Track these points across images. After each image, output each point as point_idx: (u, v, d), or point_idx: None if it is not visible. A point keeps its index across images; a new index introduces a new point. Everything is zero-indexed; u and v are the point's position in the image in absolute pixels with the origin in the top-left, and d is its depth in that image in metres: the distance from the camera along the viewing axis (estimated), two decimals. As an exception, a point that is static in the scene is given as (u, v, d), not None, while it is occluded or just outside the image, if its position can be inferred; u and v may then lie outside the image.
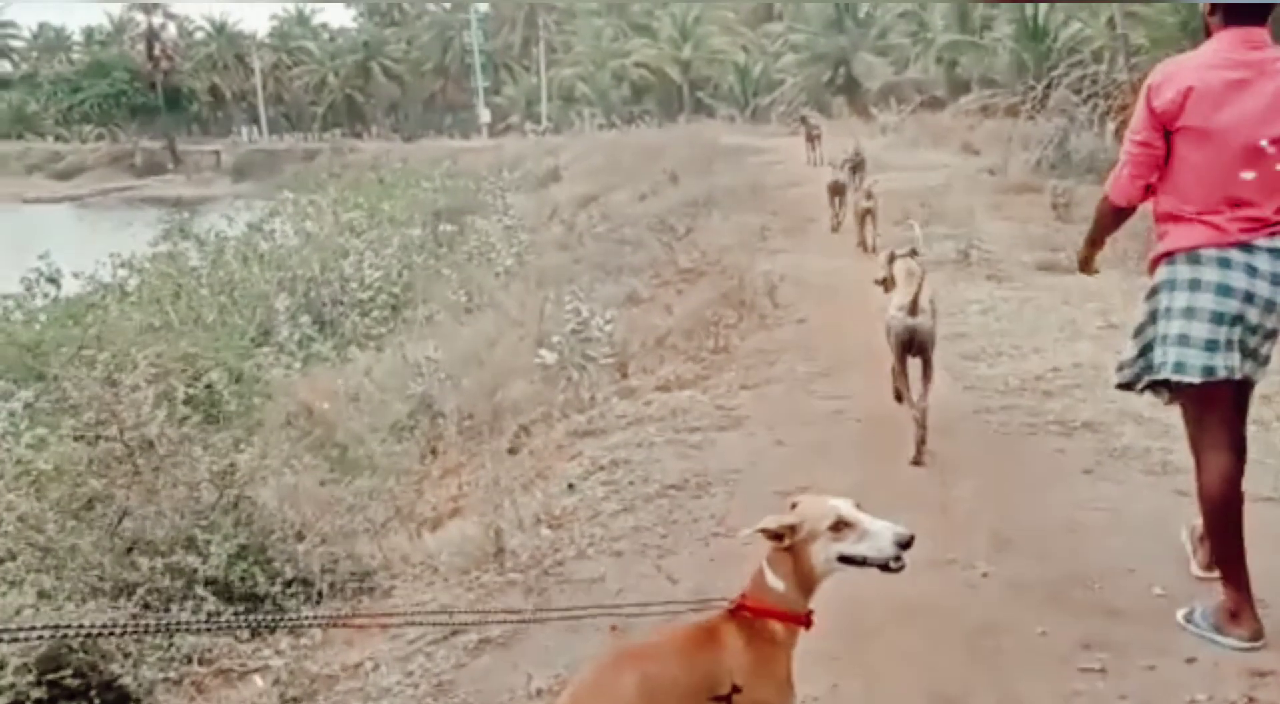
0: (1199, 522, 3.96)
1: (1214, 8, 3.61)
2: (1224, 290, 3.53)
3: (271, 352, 12.93)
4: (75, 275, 17.87)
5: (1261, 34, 3.57)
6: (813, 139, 20.52)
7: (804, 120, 22.25)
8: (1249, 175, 3.52)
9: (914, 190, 14.48)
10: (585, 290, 13.50)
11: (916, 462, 5.64)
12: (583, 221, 20.30)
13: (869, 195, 11.80)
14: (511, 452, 7.14)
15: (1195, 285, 3.58)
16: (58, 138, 72.14)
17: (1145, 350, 3.76)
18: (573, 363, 7.68)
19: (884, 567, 2.63)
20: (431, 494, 6.85)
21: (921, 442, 5.65)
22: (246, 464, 4.94)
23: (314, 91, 74.36)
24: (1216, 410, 3.67)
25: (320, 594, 4.65)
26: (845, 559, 2.63)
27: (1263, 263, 3.52)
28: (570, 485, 5.69)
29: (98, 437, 4.81)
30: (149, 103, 70.49)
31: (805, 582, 2.66)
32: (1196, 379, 3.58)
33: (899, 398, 6.12)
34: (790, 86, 44.65)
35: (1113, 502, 4.97)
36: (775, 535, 2.66)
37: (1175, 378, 3.62)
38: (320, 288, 13.90)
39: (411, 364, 10.38)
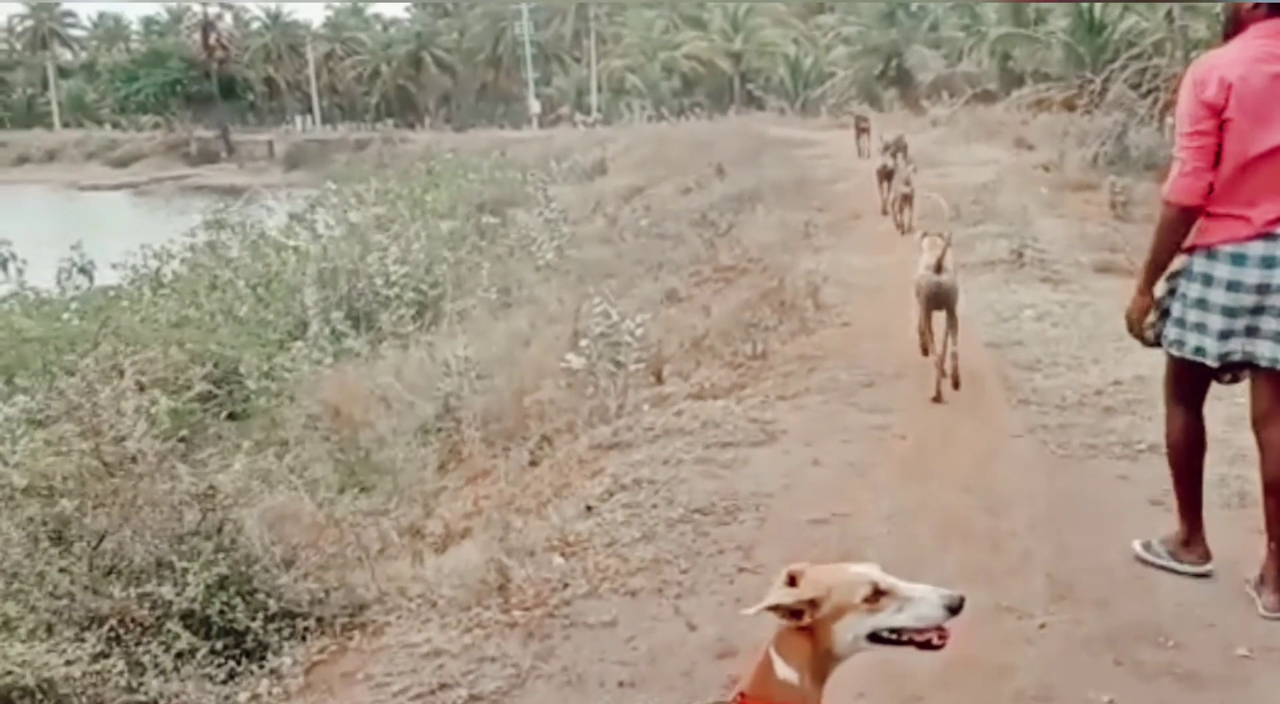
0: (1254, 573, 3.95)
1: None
2: (1234, 287, 3.63)
3: (304, 347, 12.65)
4: (114, 266, 17.75)
5: None
6: (862, 132, 20.06)
7: (856, 118, 21.88)
8: None
9: (966, 186, 13.93)
10: (624, 287, 13.13)
11: (937, 397, 6.53)
12: (626, 215, 19.89)
13: (907, 181, 12.44)
14: (533, 464, 6.73)
15: (1207, 281, 3.69)
16: (115, 126, 72.99)
17: (1163, 316, 3.90)
18: (600, 369, 7.24)
19: (924, 644, 2.19)
20: (446, 509, 6.45)
21: (941, 383, 6.56)
22: (231, 484, 4.54)
23: (367, 82, 74.52)
24: (1203, 380, 3.91)
25: (307, 630, 4.26)
26: (877, 638, 2.18)
27: None
28: (589, 507, 5.26)
29: (71, 450, 4.43)
30: (204, 92, 70.93)
31: (822, 669, 2.21)
32: (1215, 363, 3.76)
33: (925, 351, 6.91)
34: (841, 79, 43.96)
35: (1185, 539, 4.45)
36: (793, 612, 2.17)
37: (1194, 359, 3.79)
38: (357, 281, 13.55)
39: (440, 363, 10.01)
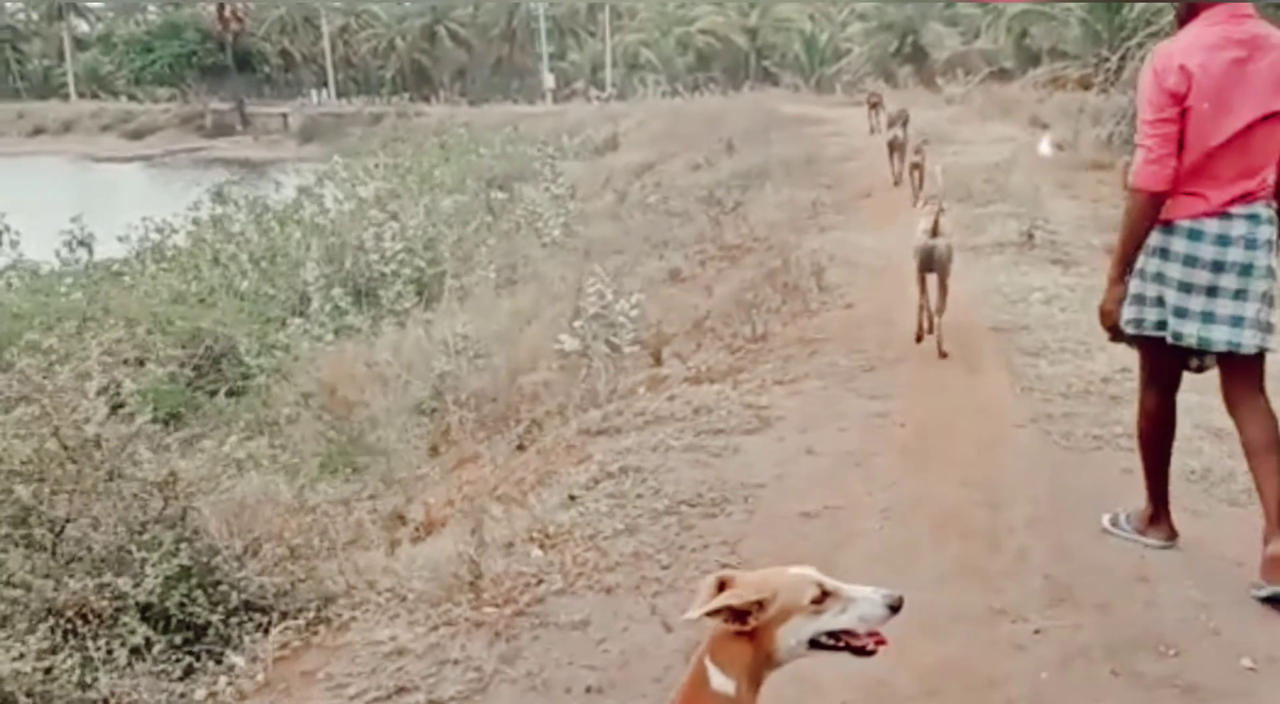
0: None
1: None
2: (1190, 261, 3.68)
3: (304, 323, 12.49)
4: (120, 239, 17.61)
5: (1244, 6, 3.64)
6: (874, 108, 19.80)
7: (869, 94, 21.68)
8: (1243, 152, 3.61)
9: (978, 166, 13.63)
10: (630, 265, 12.94)
11: (919, 338, 7.11)
12: (636, 191, 19.68)
13: (917, 151, 12.82)
14: (521, 448, 6.55)
15: (1165, 254, 3.73)
16: (131, 98, 72.80)
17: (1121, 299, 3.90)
18: (595, 351, 7.04)
19: (860, 649, 2.11)
20: (431, 494, 6.27)
21: (925, 331, 7.09)
22: (196, 471, 4.36)
23: (382, 55, 74.04)
24: (1168, 361, 3.92)
25: (270, 624, 4.09)
26: (816, 643, 2.09)
27: (1238, 229, 3.64)
28: (571, 497, 5.06)
29: (31, 434, 4.25)
30: (220, 64, 70.60)
31: (758, 677, 2.10)
32: (1172, 340, 3.79)
33: (924, 310, 7.22)
34: (856, 56, 43.45)
35: (1190, 540, 4.23)
36: (738, 616, 2.05)
37: (1158, 335, 3.83)
38: (358, 257, 13.37)
39: (437, 341, 9.84)
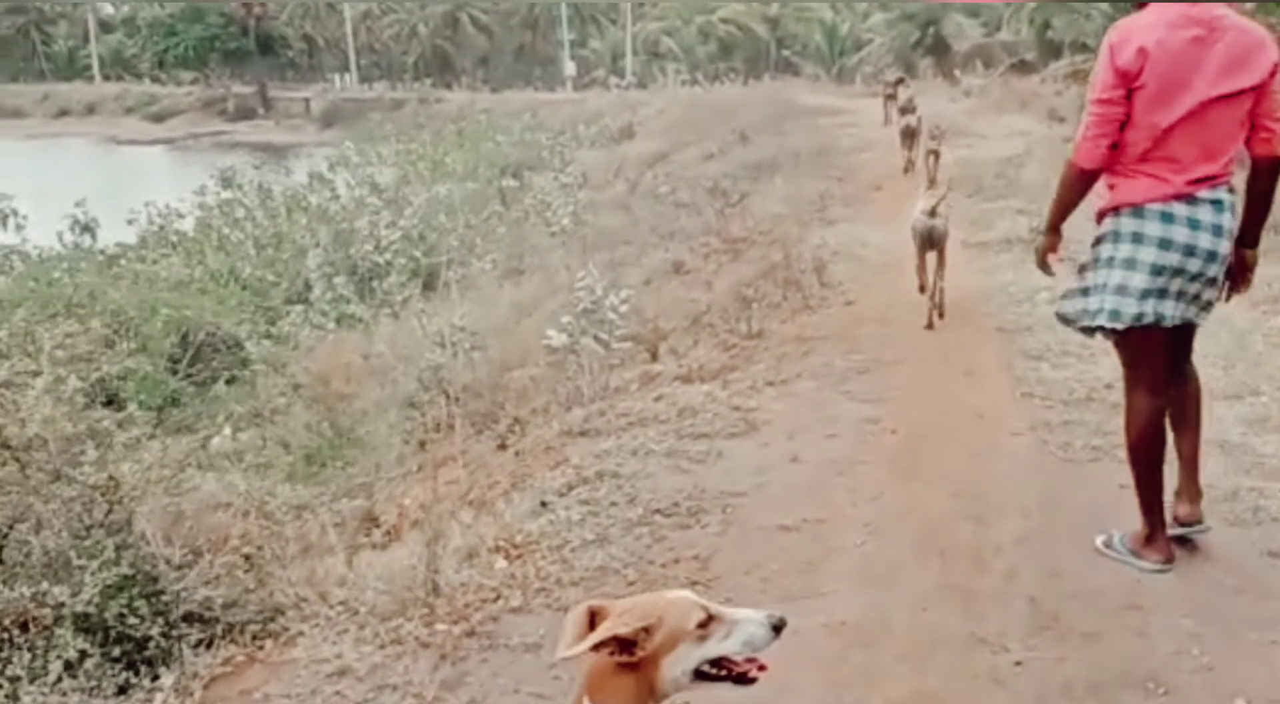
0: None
1: None
2: (1165, 244, 3.67)
3: (304, 311, 12.33)
4: (130, 222, 17.50)
5: None
6: (889, 98, 19.53)
7: (885, 84, 21.52)
8: (1200, 133, 3.61)
9: (991, 159, 13.35)
10: (636, 256, 12.72)
11: (929, 325, 7.33)
12: (647, 181, 19.44)
13: (933, 136, 13.08)
14: (502, 447, 6.34)
15: (1138, 239, 3.71)
16: (154, 80, 72.90)
17: (1085, 292, 3.91)
18: (582, 347, 6.82)
19: (742, 677, 1.99)
20: (410, 493, 6.07)
21: (933, 314, 7.38)
22: (141, 474, 4.16)
23: (405, 41, 73.86)
24: (1146, 356, 3.85)
25: (215, 637, 3.89)
26: (701, 674, 1.97)
27: (1205, 215, 3.66)
28: (544, 503, 4.86)
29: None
30: (243, 48, 70.58)
31: None
32: (1122, 326, 3.76)
33: (922, 289, 7.54)
34: (877, 46, 42.96)
35: (1187, 563, 3.99)
36: (625, 645, 1.91)
37: (1110, 325, 3.80)
38: (363, 245, 13.19)
39: (433, 333, 9.64)
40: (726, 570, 4.12)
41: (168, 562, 3.98)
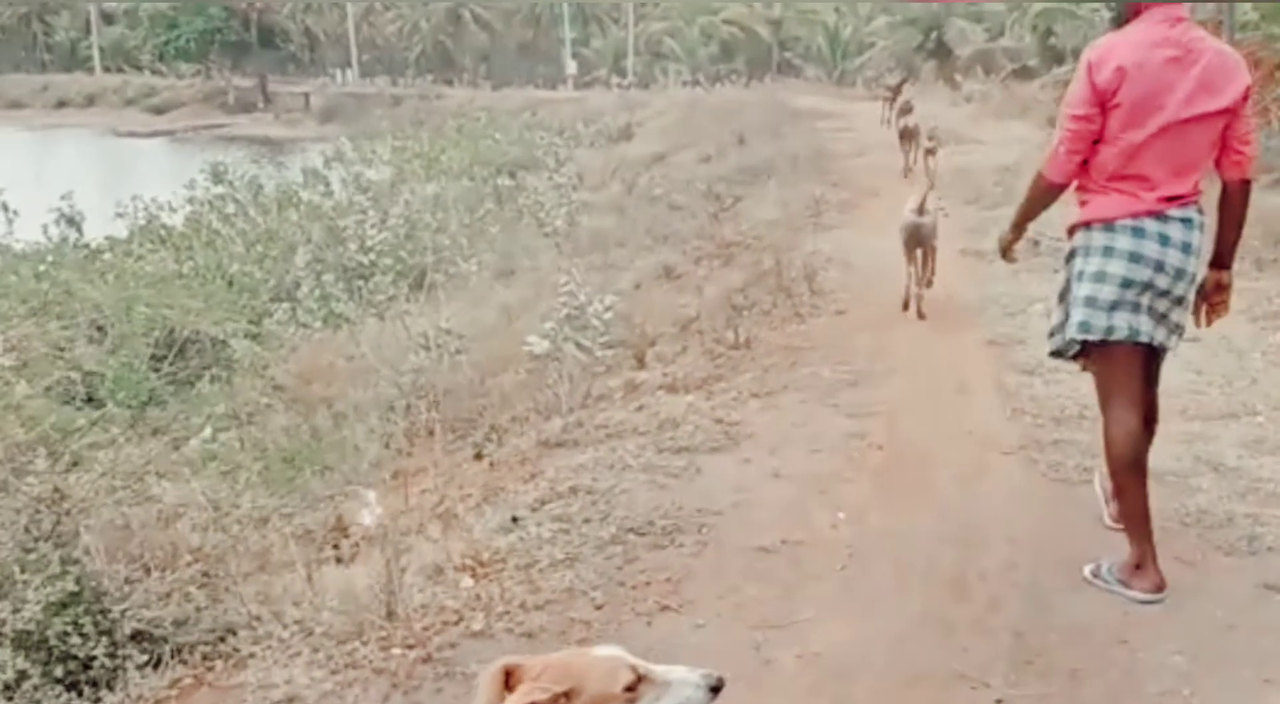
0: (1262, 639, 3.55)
1: None
2: (1135, 258, 3.69)
3: (290, 309, 12.13)
4: (120, 215, 17.31)
5: (1181, 8, 3.72)
6: (887, 101, 19.45)
7: (886, 87, 21.51)
8: (1171, 152, 3.67)
9: (989, 166, 13.18)
10: (629, 259, 12.54)
11: (905, 305, 7.83)
12: (644, 182, 19.24)
13: (930, 137, 13.50)
14: (478, 457, 6.17)
15: (1109, 252, 3.73)
16: (155, 73, 72.71)
17: (1065, 319, 3.91)
18: (564, 354, 6.64)
19: None
20: (380, 504, 5.87)
21: (915, 305, 7.78)
22: (83, 486, 3.98)
23: (406, 37, 73.66)
24: (1121, 370, 3.83)
25: (162, 657, 3.72)
26: None
27: (1175, 232, 3.70)
28: (515, 518, 4.69)
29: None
30: (243, 41, 70.37)
31: None
32: (1096, 337, 3.76)
33: (913, 277, 7.87)
34: (879, 50, 42.80)
35: (1180, 594, 3.83)
36: None
37: (1080, 337, 3.79)
38: (348, 244, 12.99)
39: (417, 335, 9.44)
40: (699, 595, 3.95)
41: (115, 577, 3.81)
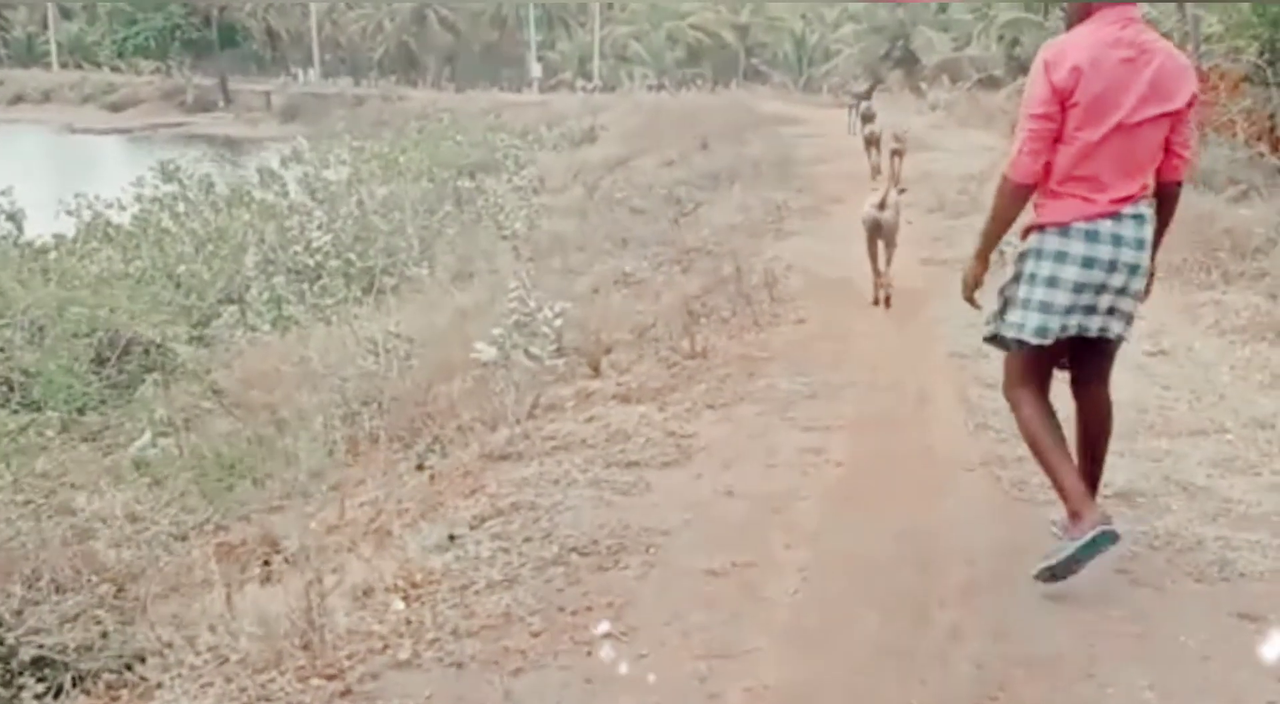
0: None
1: None
2: (1089, 263, 3.74)
3: (236, 312, 11.83)
4: (69, 213, 16.89)
5: (1133, 9, 3.77)
6: (853, 107, 19.40)
7: (852, 94, 21.50)
8: (1124, 153, 3.71)
9: (953, 175, 13.05)
10: (587, 264, 12.31)
11: (876, 301, 8.20)
12: (606, 186, 19.06)
13: (897, 138, 13.77)
14: (420, 468, 5.91)
15: (1061, 257, 3.76)
16: (113, 69, 71.83)
17: (1004, 307, 3.95)
18: (514, 362, 6.38)
19: None
20: (314, 519, 5.61)
21: (881, 295, 8.20)
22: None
23: (370, 37, 73.07)
24: (1048, 360, 3.95)
25: (62, 687, 3.45)
26: None
27: (1128, 230, 3.75)
28: (452, 536, 4.44)
29: None
30: (204, 39, 69.54)
31: None
32: (1049, 341, 3.83)
33: (877, 273, 8.21)
34: (845, 57, 42.81)
35: (1151, 622, 3.63)
36: None
37: (1036, 341, 3.83)
38: (292, 246, 12.67)
39: (365, 340, 9.16)
40: (644, 621, 3.71)
41: (10, 599, 3.53)
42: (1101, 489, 4.67)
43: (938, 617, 3.75)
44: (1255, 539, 4.19)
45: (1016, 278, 3.89)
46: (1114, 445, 5.06)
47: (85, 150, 50.08)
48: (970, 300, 4.11)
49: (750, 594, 3.93)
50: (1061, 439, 3.94)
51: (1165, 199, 3.91)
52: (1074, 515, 3.80)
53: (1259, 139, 12.12)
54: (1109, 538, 3.71)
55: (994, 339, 4.08)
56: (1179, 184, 3.92)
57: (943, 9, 42.15)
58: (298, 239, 11.89)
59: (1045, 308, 3.79)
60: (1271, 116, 12.23)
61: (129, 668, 3.60)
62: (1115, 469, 4.81)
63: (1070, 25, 3.85)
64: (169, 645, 3.64)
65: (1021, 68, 28.59)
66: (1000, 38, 33.06)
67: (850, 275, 8.84)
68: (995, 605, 3.81)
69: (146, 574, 3.93)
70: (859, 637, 3.63)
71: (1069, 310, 3.78)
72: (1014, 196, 3.84)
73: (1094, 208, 3.74)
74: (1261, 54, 12.48)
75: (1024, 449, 5.09)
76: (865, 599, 3.88)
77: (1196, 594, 3.85)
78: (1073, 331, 3.83)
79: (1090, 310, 3.81)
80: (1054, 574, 3.77)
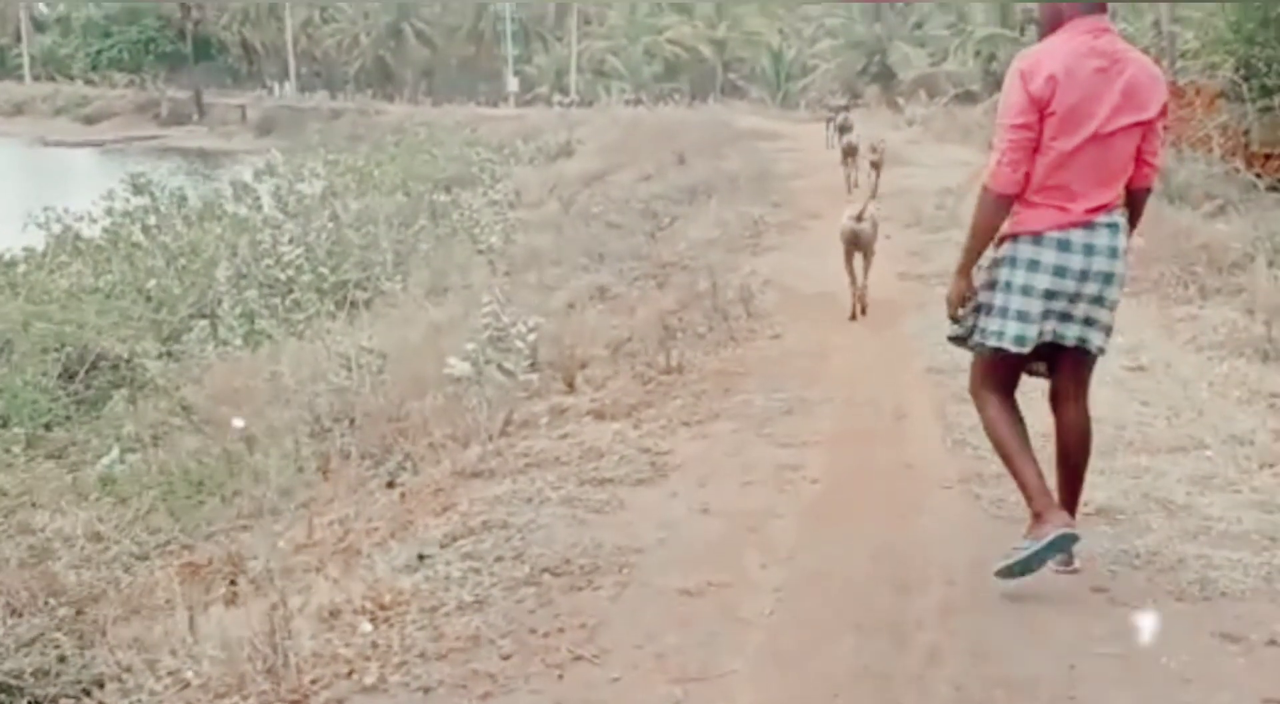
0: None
1: None
2: (1061, 271, 3.76)
3: (207, 327, 11.68)
4: (39, 225, 16.71)
5: (1105, 19, 3.80)
6: (830, 121, 19.47)
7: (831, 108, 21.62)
8: (1098, 162, 3.73)
9: (930, 189, 13.06)
10: (563, 279, 12.25)
11: (853, 316, 8.22)
12: (582, 200, 19.01)
13: (874, 149, 13.98)
14: (391, 485, 5.82)
15: (1034, 266, 3.78)
16: (87, 82, 71.47)
17: (976, 311, 3.95)
18: (487, 378, 6.31)
19: None
20: (283, 538, 5.51)
21: (857, 308, 8.26)
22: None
23: (346, 51, 72.90)
24: (1016, 367, 3.99)
25: (16, 714, 3.35)
26: None
27: (1101, 239, 3.77)
28: (422, 556, 4.35)
29: None
30: (179, 52, 69.20)
31: None
32: (1027, 349, 3.85)
33: (854, 281, 8.30)
34: (822, 73, 42.99)
35: (1132, 643, 3.58)
36: None
37: (1015, 350, 3.85)
38: (262, 260, 12.55)
39: (338, 355, 9.06)
40: (616, 643, 3.63)
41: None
42: (1081, 507, 4.65)
43: (916, 638, 3.68)
44: (1236, 557, 4.14)
45: (991, 284, 3.90)
46: (1093, 462, 5.06)
47: (57, 163, 49.76)
48: (954, 318, 4.08)
49: (726, 615, 3.85)
50: (1026, 440, 3.97)
51: (1134, 205, 3.97)
52: (1036, 516, 3.83)
53: (1234, 154, 12.20)
54: (1069, 540, 3.80)
55: (959, 340, 4.10)
56: (1148, 190, 3.98)
57: (919, 25, 42.43)
58: (270, 253, 11.76)
59: (1023, 317, 3.81)
60: (1247, 132, 12.31)
61: (87, 693, 3.50)
62: (1094, 486, 4.77)
63: (1043, 35, 3.88)
64: (128, 670, 3.54)
65: (998, 83, 28.76)
66: (977, 53, 33.32)
67: (827, 290, 8.80)
68: (974, 626, 3.74)
69: (107, 596, 3.83)
70: (836, 658, 3.56)
71: (1044, 316, 3.81)
72: (995, 208, 3.83)
73: (1068, 217, 3.76)
74: (1237, 70, 12.57)
75: (1002, 466, 5.09)
76: (842, 620, 3.81)
77: (1177, 614, 3.79)
78: (1048, 337, 3.84)
79: (1065, 317, 3.82)
80: (1012, 571, 3.83)
